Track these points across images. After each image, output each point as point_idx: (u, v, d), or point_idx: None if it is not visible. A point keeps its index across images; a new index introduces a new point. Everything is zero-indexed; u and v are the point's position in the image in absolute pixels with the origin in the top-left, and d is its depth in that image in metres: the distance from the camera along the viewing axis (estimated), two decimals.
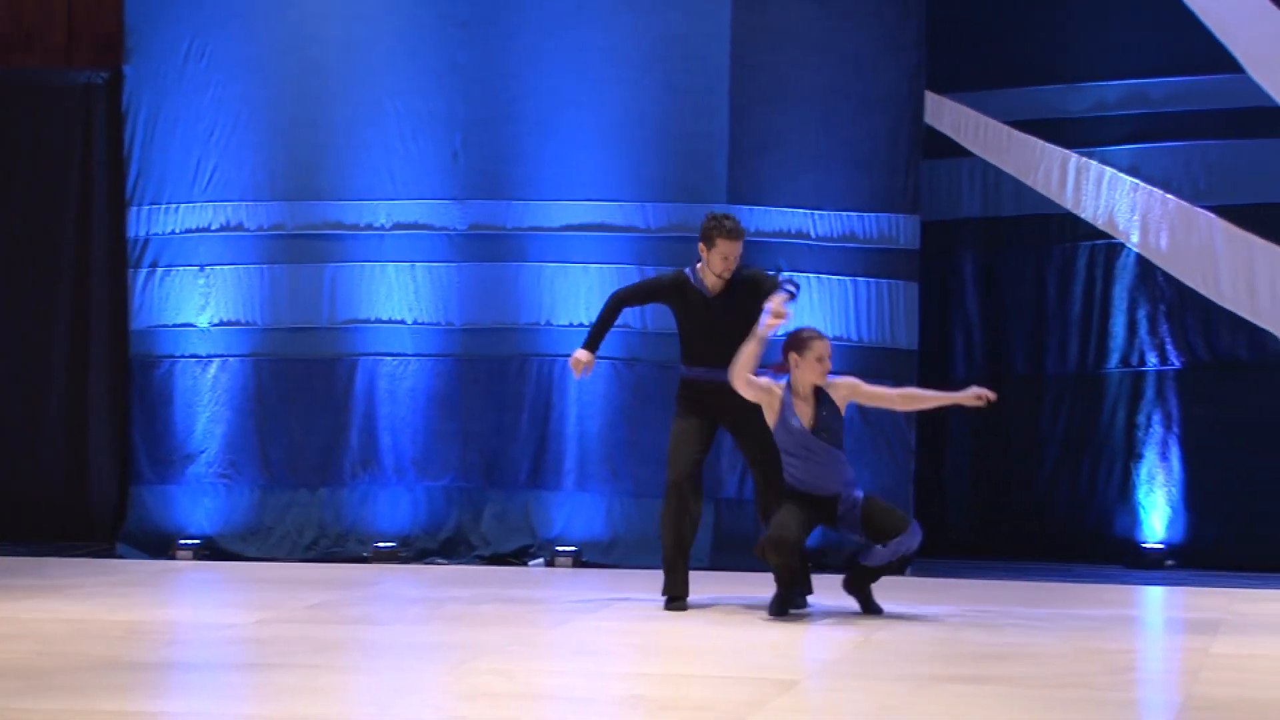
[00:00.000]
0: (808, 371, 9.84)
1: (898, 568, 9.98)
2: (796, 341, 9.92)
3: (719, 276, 10.11)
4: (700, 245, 10.13)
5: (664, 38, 12.13)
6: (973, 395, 9.98)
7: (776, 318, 9.84)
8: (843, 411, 9.93)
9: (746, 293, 10.07)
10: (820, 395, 9.88)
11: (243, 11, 12.58)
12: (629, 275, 12.15)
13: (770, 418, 9.88)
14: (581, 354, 10.31)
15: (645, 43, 12.15)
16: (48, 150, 13.14)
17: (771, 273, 10.59)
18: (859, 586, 9.98)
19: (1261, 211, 12.26)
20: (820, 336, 9.97)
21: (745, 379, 9.85)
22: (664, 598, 10.19)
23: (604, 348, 12.10)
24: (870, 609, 9.96)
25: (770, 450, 10.06)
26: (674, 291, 10.24)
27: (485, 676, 8.22)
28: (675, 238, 12.15)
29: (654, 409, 12.13)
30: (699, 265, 10.19)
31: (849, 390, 9.98)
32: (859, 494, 9.92)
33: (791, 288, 10.04)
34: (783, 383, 9.90)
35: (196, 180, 12.62)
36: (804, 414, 9.85)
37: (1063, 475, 12.63)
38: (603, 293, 12.16)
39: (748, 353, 9.83)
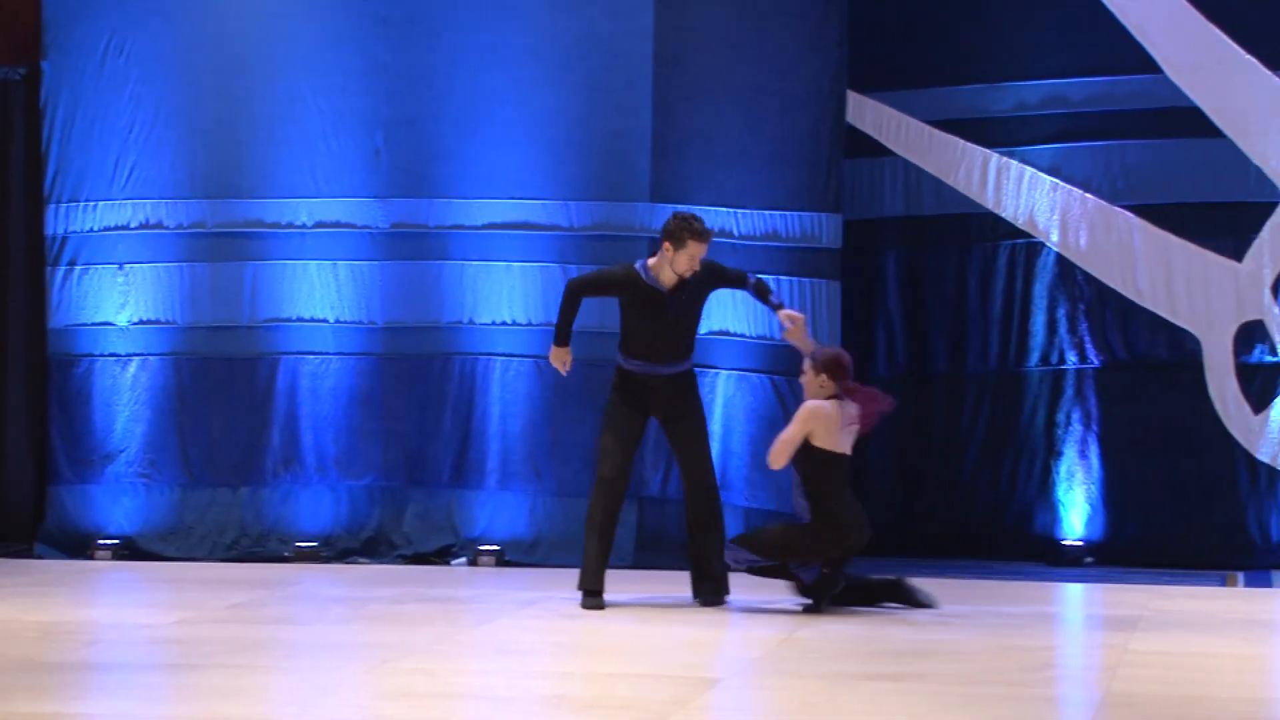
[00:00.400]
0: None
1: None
2: (837, 368, 9.98)
3: (680, 275, 10.12)
4: (665, 244, 10.12)
5: (586, 36, 12.12)
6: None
7: (799, 329, 10.11)
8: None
9: (697, 285, 10.13)
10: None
11: (162, 8, 12.50)
12: (553, 274, 12.16)
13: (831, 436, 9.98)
14: (557, 351, 10.38)
15: (567, 41, 12.15)
16: None
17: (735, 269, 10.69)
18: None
19: (1180, 211, 12.35)
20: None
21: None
22: (582, 593, 10.17)
23: (527, 346, 12.15)
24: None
25: (699, 452, 10.11)
26: (625, 286, 10.24)
27: (407, 676, 8.20)
28: (599, 236, 12.15)
29: (577, 408, 12.12)
30: (652, 261, 10.19)
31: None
32: None
33: (776, 299, 10.28)
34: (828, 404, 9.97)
35: (116, 177, 12.54)
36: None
37: (983, 473, 12.69)
38: (525, 291, 12.18)
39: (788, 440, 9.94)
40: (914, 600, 10.07)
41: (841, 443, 9.97)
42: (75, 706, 7.69)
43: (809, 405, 9.94)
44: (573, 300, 10.36)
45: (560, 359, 10.40)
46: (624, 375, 10.28)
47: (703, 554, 10.25)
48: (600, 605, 10.11)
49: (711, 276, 10.24)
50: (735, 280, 10.38)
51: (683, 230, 10.06)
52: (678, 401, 10.21)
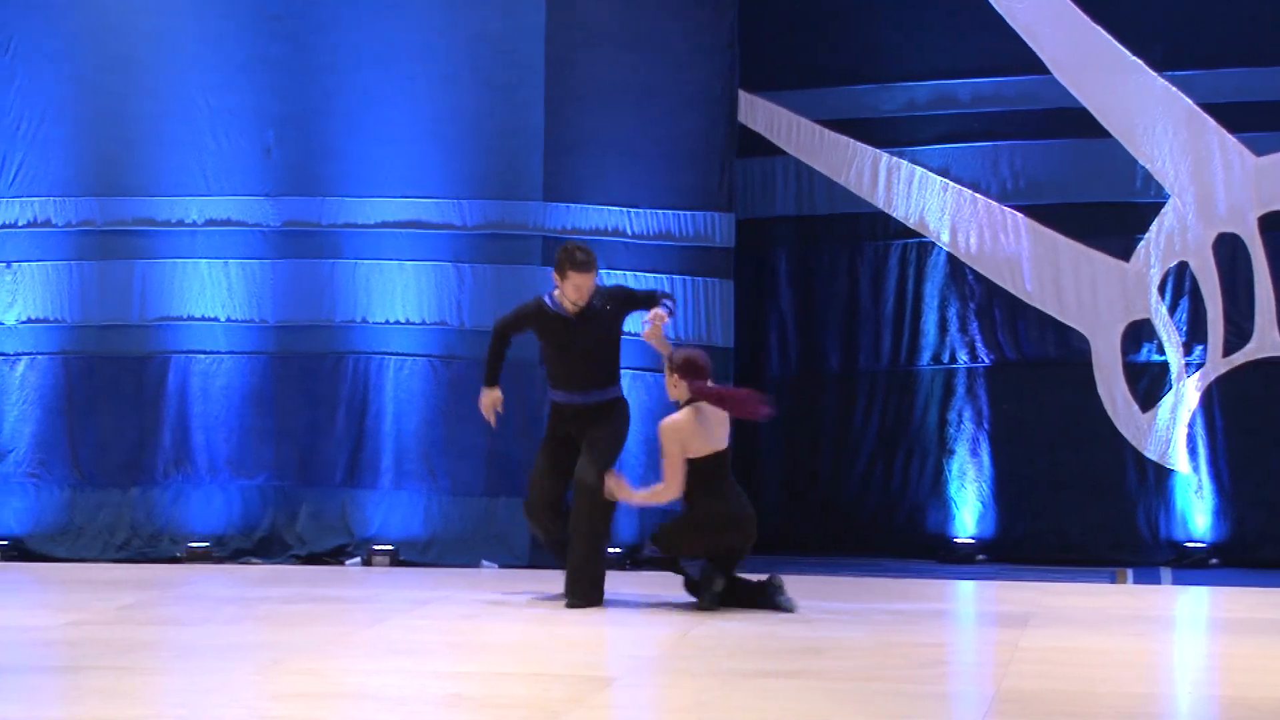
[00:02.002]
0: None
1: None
2: (691, 369, 9.99)
3: (574, 304, 10.13)
4: (555, 274, 10.15)
5: (478, 35, 12.10)
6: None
7: (655, 330, 10.04)
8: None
9: (606, 312, 10.17)
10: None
11: (49, 4, 12.38)
12: (445, 272, 12.14)
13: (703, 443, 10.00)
14: (488, 393, 10.37)
15: (459, 39, 12.12)
16: None
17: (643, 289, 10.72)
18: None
19: (1067, 211, 12.47)
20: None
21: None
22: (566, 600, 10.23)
23: (421, 345, 12.12)
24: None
25: (590, 455, 10.10)
26: (536, 318, 10.26)
27: (298, 676, 8.16)
28: (491, 235, 12.14)
29: (472, 406, 12.07)
30: (555, 291, 10.21)
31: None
32: None
33: (670, 304, 10.15)
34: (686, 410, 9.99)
35: (3, 175, 12.41)
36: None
37: (875, 470, 12.76)
38: (419, 290, 12.15)
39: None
40: (775, 604, 10.05)
41: (714, 440, 10.01)
42: None
43: (665, 426, 9.99)
44: (498, 338, 10.40)
45: (489, 400, 10.39)
46: (552, 406, 10.34)
47: (572, 554, 10.23)
48: (586, 604, 10.10)
49: (620, 303, 10.26)
50: (647, 301, 10.37)
51: (563, 261, 10.11)
52: (596, 423, 10.19)
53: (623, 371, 10.45)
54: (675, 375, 10.02)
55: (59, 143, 12.40)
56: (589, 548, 10.12)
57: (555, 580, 10.70)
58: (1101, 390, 12.44)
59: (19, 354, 12.44)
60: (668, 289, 12.08)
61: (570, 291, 10.10)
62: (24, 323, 12.44)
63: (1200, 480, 12.34)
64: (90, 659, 8.64)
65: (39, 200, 12.42)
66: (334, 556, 12.17)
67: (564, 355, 10.20)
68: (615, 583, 10.50)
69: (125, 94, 12.34)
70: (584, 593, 10.12)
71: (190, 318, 12.35)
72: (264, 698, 7.79)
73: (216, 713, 7.48)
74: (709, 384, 10.05)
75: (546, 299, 10.27)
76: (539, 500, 10.29)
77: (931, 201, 12.65)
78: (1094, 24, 12.36)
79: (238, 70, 12.27)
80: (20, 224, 12.42)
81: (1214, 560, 12.28)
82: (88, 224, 12.40)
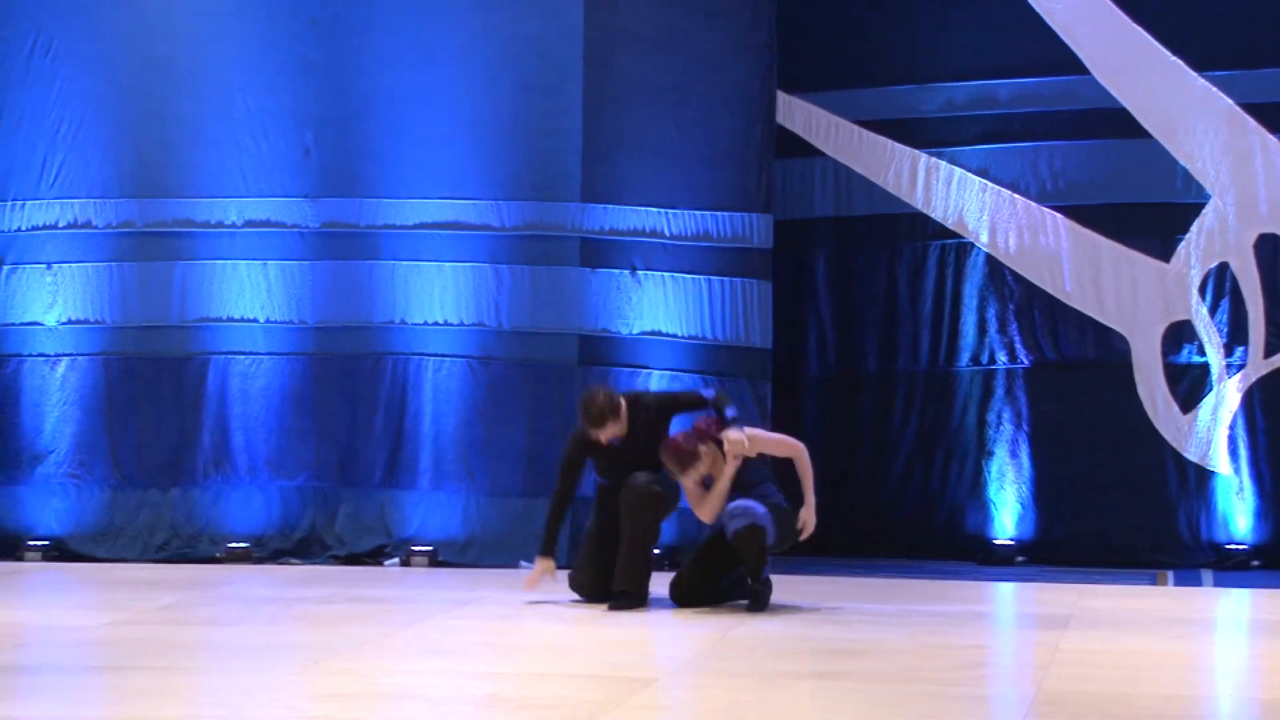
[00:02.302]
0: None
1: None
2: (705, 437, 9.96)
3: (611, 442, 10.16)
4: None
5: (516, 36, 12.12)
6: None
7: (735, 453, 9.93)
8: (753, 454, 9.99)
9: (651, 423, 10.14)
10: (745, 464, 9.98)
11: (90, 6, 12.43)
12: (484, 274, 12.15)
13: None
14: (542, 564, 10.26)
15: (497, 41, 12.14)
16: None
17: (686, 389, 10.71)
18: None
19: (1107, 211, 12.43)
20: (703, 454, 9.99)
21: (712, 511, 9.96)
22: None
23: (459, 346, 12.16)
24: (752, 603, 10.04)
25: (649, 478, 10.11)
26: (585, 451, 10.22)
27: (337, 677, 8.18)
28: (529, 236, 12.15)
29: (510, 408, 12.13)
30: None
31: (740, 448, 9.97)
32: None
33: (733, 412, 10.10)
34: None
35: (44, 177, 12.46)
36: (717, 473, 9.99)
37: (914, 472, 12.74)
38: (457, 291, 12.17)
39: (717, 494, 9.91)
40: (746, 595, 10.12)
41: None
42: (2, 710, 7.63)
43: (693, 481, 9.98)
44: (559, 504, 10.30)
45: (540, 570, 10.27)
46: (600, 489, 10.35)
47: (621, 555, 10.23)
48: (630, 600, 10.11)
49: (663, 413, 10.23)
50: (691, 404, 10.37)
51: (581, 417, 10.11)
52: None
53: (659, 373, 10.43)
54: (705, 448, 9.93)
55: (99, 144, 12.45)
56: (636, 549, 10.11)
57: None
58: (1142, 391, 12.40)
59: (59, 355, 12.49)
60: (705, 290, 12.09)
61: (604, 437, 10.10)
62: (64, 324, 12.49)
63: (1241, 482, 12.30)
64: (130, 659, 8.67)
65: (79, 202, 12.47)
66: (372, 557, 12.20)
67: (616, 469, 10.21)
68: (652, 584, 10.49)
69: (165, 96, 12.38)
70: (634, 582, 10.09)
71: (230, 319, 12.39)
72: (303, 698, 7.81)
73: (256, 713, 7.50)
74: (694, 434, 9.98)
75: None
76: (587, 580, 10.26)
77: (970, 202, 12.62)
78: (1133, 23, 12.32)
79: (277, 72, 12.30)
80: (61, 225, 12.47)
81: (1255, 562, 12.23)
82: (127, 225, 12.45)
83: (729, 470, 9.91)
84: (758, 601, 9.95)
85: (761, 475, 10.06)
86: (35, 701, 7.84)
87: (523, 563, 11.96)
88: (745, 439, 9.92)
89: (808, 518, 10.06)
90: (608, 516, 10.24)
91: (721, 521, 9.91)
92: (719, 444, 9.93)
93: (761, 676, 8.28)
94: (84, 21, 12.42)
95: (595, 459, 10.27)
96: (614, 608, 10.05)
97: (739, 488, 9.93)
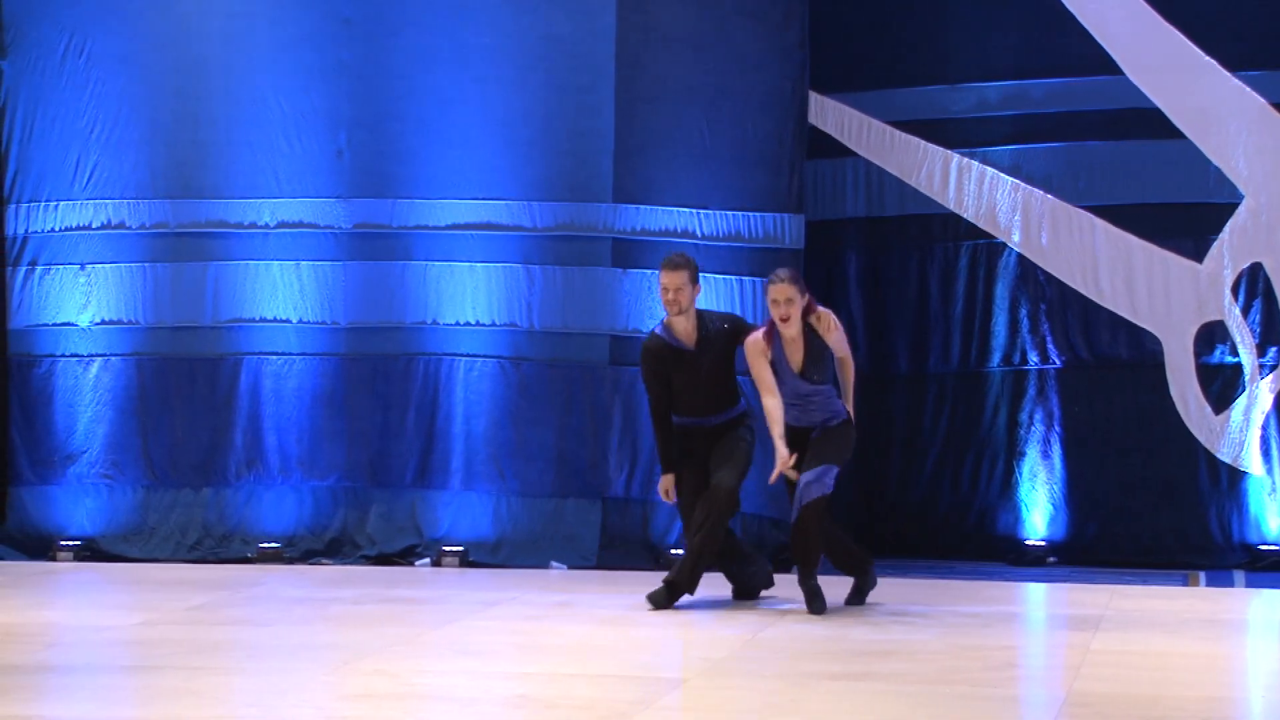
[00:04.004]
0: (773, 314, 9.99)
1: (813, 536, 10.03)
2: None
3: (670, 313, 10.17)
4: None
5: (548, 37, 12.12)
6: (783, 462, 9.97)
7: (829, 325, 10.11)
8: (830, 342, 10.05)
9: (724, 342, 10.23)
10: (809, 334, 10.00)
11: (123, 7, 12.46)
12: (516, 274, 12.16)
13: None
14: (665, 480, 10.38)
15: (529, 41, 12.14)
16: None
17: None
18: (800, 579, 10.10)
19: (1140, 211, 12.39)
20: (776, 280, 10.01)
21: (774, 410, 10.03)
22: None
23: (490, 346, 12.17)
24: (809, 605, 10.03)
25: (719, 459, 10.12)
26: (659, 357, 10.26)
27: (368, 677, 8.20)
28: (561, 236, 12.15)
29: (541, 408, 12.13)
30: (667, 320, 10.27)
31: (830, 331, 10.07)
32: (834, 421, 10.12)
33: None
34: (765, 335, 10.01)
35: (77, 178, 12.50)
36: (794, 359, 10.01)
37: (945, 473, 12.72)
38: (489, 292, 12.18)
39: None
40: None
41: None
42: (35, 709, 7.67)
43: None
44: (660, 415, 10.34)
45: (668, 488, 10.41)
46: (678, 431, 10.36)
47: (689, 543, 10.27)
48: (678, 588, 10.17)
49: (732, 337, 10.30)
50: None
51: (662, 267, 10.27)
52: (723, 438, 10.28)
53: None
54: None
55: (132, 145, 12.48)
56: (703, 544, 10.11)
57: (625, 582, 10.72)
58: (1174, 392, 12.36)
59: (93, 355, 12.53)
60: (737, 291, 12.09)
61: (661, 292, 10.15)
62: (98, 324, 12.53)
63: (1274, 482, 12.25)
64: (162, 659, 8.70)
65: (113, 203, 12.51)
66: (404, 557, 12.21)
67: (686, 383, 10.20)
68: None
69: (198, 97, 12.41)
70: (685, 575, 10.13)
71: (262, 319, 12.42)
72: (334, 698, 7.83)
73: (288, 713, 7.52)
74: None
75: (660, 331, 10.31)
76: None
77: (1002, 201, 12.59)
78: (1166, 23, 12.27)
79: (309, 73, 12.33)
80: (94, 226, 12.51)
81: None
82: (161, 226, 12.48)
83: (835, 338, 10.02)
84: (811, 602, 9.96)
85: (830, 370, 10.09)
86: (67, 701, 7.87)
87: (554, 563, 11.97)
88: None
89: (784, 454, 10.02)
90: (692, 464, 10.23)
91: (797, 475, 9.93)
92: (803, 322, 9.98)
93: (792, 677, 8.28)
94: (117, 23, 12.45)
95: (667, 366, 10.19)
96: (655, 598, 10.05)
97: (812, 362, 9.95)
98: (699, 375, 10.19)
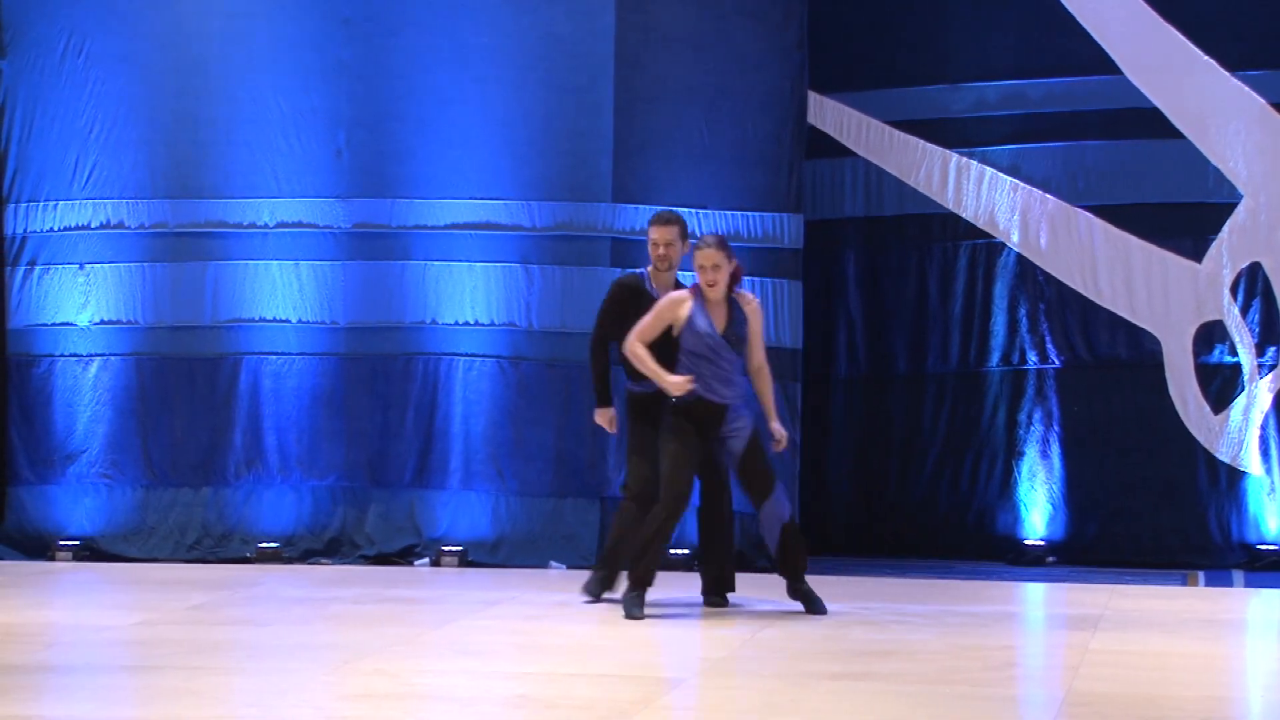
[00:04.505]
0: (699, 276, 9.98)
1: (791, 544, 10.00)
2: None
3: (658, 269, 10.21)
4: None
5: (547, 36, 12.12)
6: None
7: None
8: (751, 324, 10.03)
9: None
10: (734, 305, 9.97)
11: (122, 7, 12.46)
12: (514, 274, 12.16)
13: (677, 328, 9.93)
14: (601, 412, 10.47)
15: (528, 41, 12.14)
16: None
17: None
18: (793, 588, 10.05)
19: (1139, 211, 12.40)
20: (703, 245, 10.01)
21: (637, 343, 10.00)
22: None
23: (489, 346, 12.17)
24: (810, 607, 10.00)
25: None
26: (633, 293, 10.29)
27: (368, 677, 8.20)
28: (560, 236, 12.15)
29: (540, 408, 12.13)
30: (650, 269, 10.28)
31: (754, 315, 10.05)
32: (747, 423, 9.98)
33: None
34: (690, 291, 9.98)
35: (76, 177, 12.50)
36: (718, 320, 9.95)
37: (944, 472, 12.72)
38: (488, 291, 12.18)
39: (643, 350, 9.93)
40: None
41: None
42: (33, 709, 7.67)
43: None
44: (598, 351, 10.45)
45: (607, 419, 10.53)
46: (631, 396, 10.38)
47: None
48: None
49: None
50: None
51: (651, 222, 10.40)
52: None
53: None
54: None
55: (131, 145, 12.48)
56: (660, 544, 10.13)
57: (624, 582, 10.69)
58: (1173, 391, 12.37)
59: (92, 355, 12.53)
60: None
61: (651, 247, 10.25)
62: (97, 324, 12.53)
63: (1273, 482, 12.26)
64: (162, 659, 8.70)
65: (112, 202, 12.51)
66: (403, 557, 12.22)
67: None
68: (683, 585, 10.51)
69: (197, 97, 12.41)
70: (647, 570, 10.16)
71: (262, 319, 12.42)
72: (334, 698, 7.83)
73: (287, 713, 7.52)
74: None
75: (643, 273, 10.38)
76: (645, 490, 10.21)
77: (1001, 202, 12.60)
78: (1165, 23, 12.28)
79: (309, 73, 12.33)
80: (93, 226, 12.51)
81: None
82: (160, 226, 12.48)
83: (756, 325, 10.00)
84: (813, 604, 9.96)
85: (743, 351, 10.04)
86: (67, 701, 7.87)
87: (553, 563, 11.97)
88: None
89: (781, 431, 10.01)
90: (648, 427, 10.19)
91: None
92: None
93: (792, 677, 8.28)
94: (117, 23, 12.45)
95: (629, 316, 10.16)
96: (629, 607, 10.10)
97: (733, 328, 9.93)
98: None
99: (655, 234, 10.28)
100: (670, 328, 9.94)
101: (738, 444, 9.92)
